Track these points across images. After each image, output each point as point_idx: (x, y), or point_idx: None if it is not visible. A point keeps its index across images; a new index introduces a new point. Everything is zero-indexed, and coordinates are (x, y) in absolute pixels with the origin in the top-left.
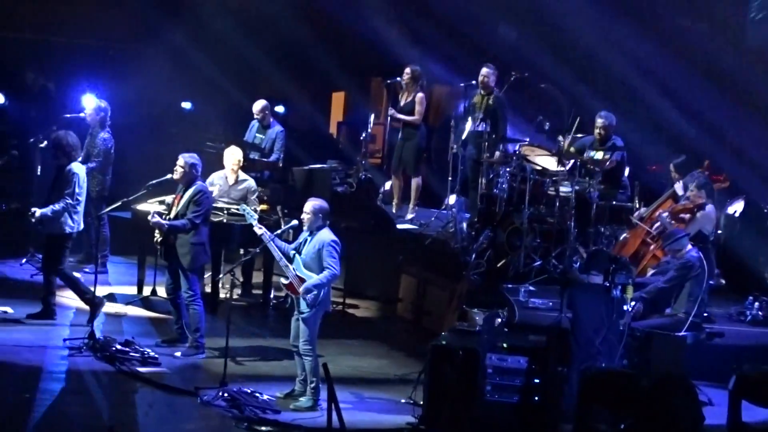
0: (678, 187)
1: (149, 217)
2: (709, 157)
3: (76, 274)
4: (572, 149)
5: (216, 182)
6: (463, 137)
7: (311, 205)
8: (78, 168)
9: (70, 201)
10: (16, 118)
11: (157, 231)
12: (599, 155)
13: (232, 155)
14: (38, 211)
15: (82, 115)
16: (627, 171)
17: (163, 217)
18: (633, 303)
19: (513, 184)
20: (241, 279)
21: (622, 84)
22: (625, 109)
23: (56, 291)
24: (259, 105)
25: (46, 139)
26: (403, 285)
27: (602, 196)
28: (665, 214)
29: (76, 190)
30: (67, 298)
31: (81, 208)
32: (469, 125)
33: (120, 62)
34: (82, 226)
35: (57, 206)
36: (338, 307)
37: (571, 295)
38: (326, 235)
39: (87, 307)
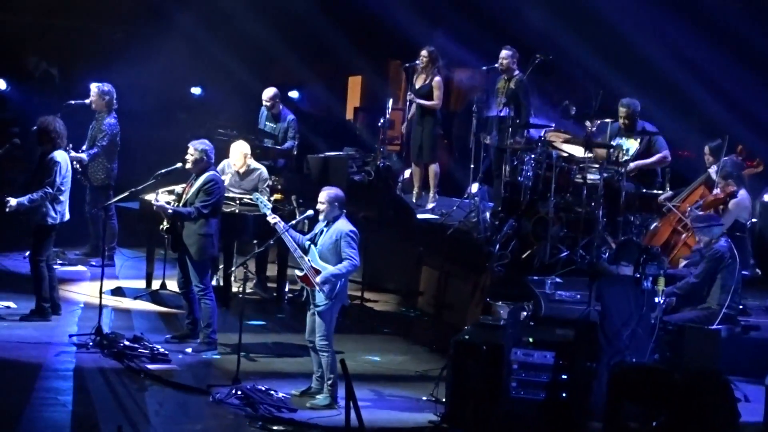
0: (712, 171)
1: (153, 201)
2: (742, 142)
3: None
4: (601, 141)
5: (227, 171)
6: (488, 123)
7: (326, 194)
8: (61, 156)
9: (49, 190)
10: (18, 105)
11: (164, 219)
12: (631, 143)
13: (238, 150)
14: (13, 201)
15: (87, 101)
16: None
17: (171, 204)
18: (664, 297)
19: (538, 171)
20: (254, 272)
21: (652, 66)
22: (655, 93)
23: (57, 285)
24: (268, 93)
25: None
26: (423, 277)
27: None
28: (696, 210)
29: (57, 179)
30: (74, 292)
31: (64, 198)
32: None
33: (127, 46)
34: (67, 217)
35: (35, 195)
36: (356, 300)
37: (600, 287)
38: (344, 225)
39: (96, 302)
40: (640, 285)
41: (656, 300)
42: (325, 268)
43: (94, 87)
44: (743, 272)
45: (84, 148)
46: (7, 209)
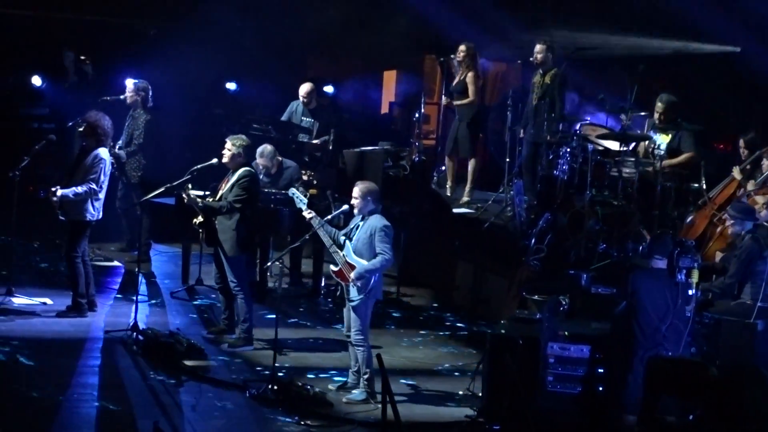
0: (735, 171)
1: (183, 195)
2: None
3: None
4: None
5: (260, 171)
6: (523, 117)
7: (359, 188)
8: (105, 154)
9: (94, 186)
10: (53, 101)
11: (198, 213)
12: (663, 138)
13: (267, 152)
14: (60, 191)
15: (122, 97)
16: None
17: (206, 199)
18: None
19: (573, 165)
20: (289, 266)
21: (686, 58)
22: (690, 86)
23: (93, 281)
24: (305, 88)
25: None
26: (459, 272)
27: (668, 178)
28: (745, 198)
29: (101, 176)
30: (110, 288)
31: (103, 196)
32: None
33: (162, 42)
34: (101, 215)
35: (80, 189)
36: (392, 295)
37: (635, 281)
38: (378, 220)
39: (132, 298)
40: (674, 278)
41: (690, 292)
42: (359, 263)
43: (130, 83)
44: None
45: (120, 144)
46: (54, 199)
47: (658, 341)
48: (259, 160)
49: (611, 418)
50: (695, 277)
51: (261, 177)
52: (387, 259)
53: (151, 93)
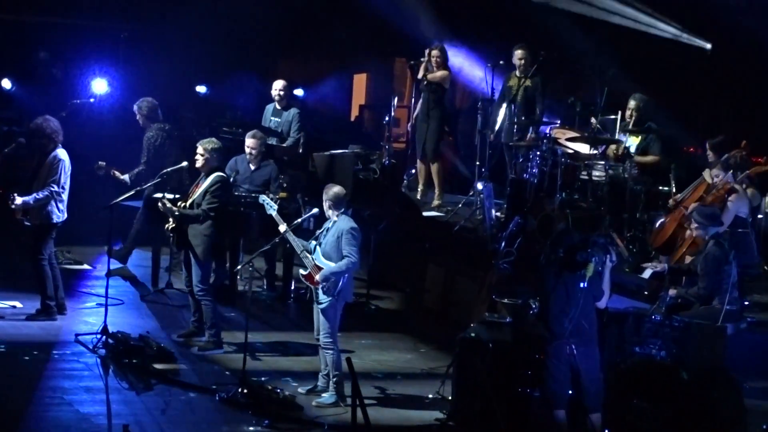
0: (706, 174)
1: (159, 204)
2: (747, 138)
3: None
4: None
5: (239, 167)
6: (498, 121)
7: (325, 194)
8: (64, 155)
9: (54, 188)
10: (23, 104)
11: (170, 218)
12: (633, 140)
13: (255, 137)
14: (19, 199)
15: (92, 100)
16: None
17: (178, 204)
18: (670, 296)
19: (544, 168)
20: (266, 268)
21: (656, 62)
22: (659, 88)
23: (61, 284)
24: (278, 84)
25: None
26: (429, 275)
27: (638, 181)
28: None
29: (62, 178)
30: (79, 291)
31: (66, 197)
32: (503, 109)
33: (132, 45)
34: (66, 216)
35: (40, 194)
36: (362, 298)
37: (541, 277)
38: (345, 222)
39: (101, 301)
40: (570, 272)
41: (581, 285)
42: (327, 265)
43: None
44: (748, 269)
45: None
46: (13, 206)
47: (564, 333)
48: (248, 142)
49: (578, 420)
50: (590, 271)
51: (242, 168)
52: (353, 261)
53: (156, 108)
